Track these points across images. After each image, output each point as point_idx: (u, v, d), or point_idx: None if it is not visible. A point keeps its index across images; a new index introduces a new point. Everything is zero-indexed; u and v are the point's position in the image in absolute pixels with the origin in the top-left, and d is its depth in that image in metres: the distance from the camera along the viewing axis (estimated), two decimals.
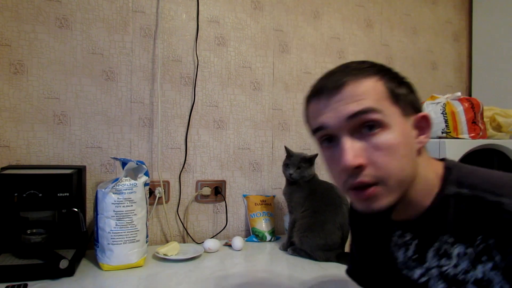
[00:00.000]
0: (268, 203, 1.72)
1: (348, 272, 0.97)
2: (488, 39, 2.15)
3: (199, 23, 1.66)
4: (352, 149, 0.62)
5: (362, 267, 0.88)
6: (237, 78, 1.73)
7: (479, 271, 0.61)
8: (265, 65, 1.79)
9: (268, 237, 1.65)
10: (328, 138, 0.67)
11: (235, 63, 1.73)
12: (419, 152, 0.66)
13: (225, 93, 1.71)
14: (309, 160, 1.50)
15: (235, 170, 1.73)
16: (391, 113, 0.63)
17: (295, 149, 1.83)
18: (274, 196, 1.78)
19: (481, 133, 1.62)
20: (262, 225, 1.66)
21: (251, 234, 1.66)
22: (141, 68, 1.58)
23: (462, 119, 1.62)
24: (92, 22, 1.51)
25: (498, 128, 1.72)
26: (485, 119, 1.69)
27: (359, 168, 0.62)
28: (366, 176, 0.62)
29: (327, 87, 0.65)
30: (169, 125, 1.62)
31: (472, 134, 1.61)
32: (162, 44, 1.61)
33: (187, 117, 1.64)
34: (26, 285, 1.07)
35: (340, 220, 1.41)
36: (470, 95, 2.23)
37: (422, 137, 0.67)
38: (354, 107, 0.62)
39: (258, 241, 1.64)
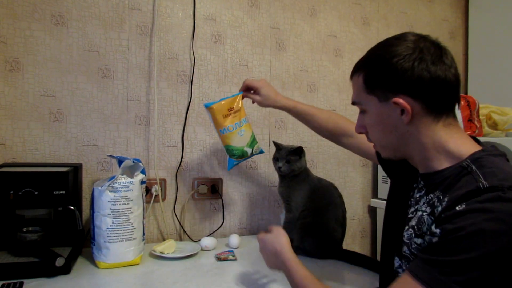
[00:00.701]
0: (237, 111, 1.38)
1: None
2: (484, 37, 2.16)
3: (195, 21, 1.65)
4: (358, 122, 0.92)
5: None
6: (234, 76, 1.73)
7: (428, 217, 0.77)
8: (261, 63, 1.78)
9: (249, 151, 1.39)
10: None
11: (231, 61, 1.73)
12: (415, 126, 0.80)
13: (222, 91, 1.71)
14: (298, 153, 1.46)
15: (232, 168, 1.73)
16: (367, 101, 0.85)
17: None
18: (240, 94, 1.41)
19: (477, 131, 1.63)
20: (239, 140, 1.37)
21: (228, 156, 1.41)
22: (137, 65, 1.57)
23: (458, 117, 1.62)
24: (88, 19, 1.50)
25: (494, 125, 1.73)
26: (481, 117, 1.70)
27: (363, 133, 0.92)
28: (369, 138, 0.91)
29: None
30: (165, 123, 1.62)
31: (468, 132, 1.62)
32: (159, 41, 1.60)
33: (184, 115, 1.64)
34: (22, 283, 1.06)
35: (340, 219, 1.42)
36: (466, 93, 2.24)
37: (403, 117, 0.80)
38: (351, 98, 0.90)
39: (240, 161, 1.41)
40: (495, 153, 0.78)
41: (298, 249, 1.43)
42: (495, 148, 0.80)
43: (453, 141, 0.80)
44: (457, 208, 0.68)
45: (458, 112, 1.63)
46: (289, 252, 0.99)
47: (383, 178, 1.91)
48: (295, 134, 1.85)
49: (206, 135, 1.68)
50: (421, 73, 0.76)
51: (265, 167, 1.79)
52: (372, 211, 2.01)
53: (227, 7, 1.72)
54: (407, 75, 0.77)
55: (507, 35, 2.02)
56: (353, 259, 1.37)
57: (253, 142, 1.40)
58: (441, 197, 0.76)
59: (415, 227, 0.80)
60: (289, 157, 1.45)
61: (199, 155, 1.68)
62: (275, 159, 1.49)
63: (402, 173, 0.98)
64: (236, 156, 1.38)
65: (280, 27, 1.82)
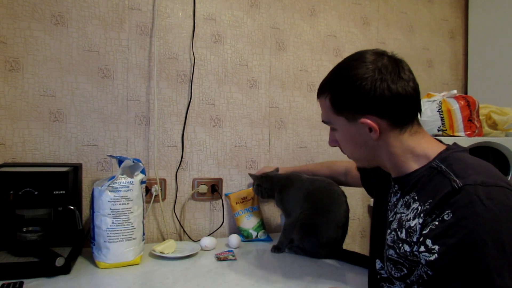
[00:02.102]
0: (249, 199, 1.68)
1: None
2: (484, 37, 2.16)
3: (195, 21, 1.65)
4: (330, 137, 0.98)
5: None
6: (234, 76, 1.73)
7: (413, 222, 0.79)
8: (261, 63, 1.78)
9: (254, 234, 1.62)
10: None
11: (231, 60, 1.73)
12: (383, 140, 0.86)
13: (222, 91, 1.71)
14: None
15: (231, 168, 1.73)
16: (336, 121, 0.91)
17: (291, 147, 1.84)
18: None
19: (476, 131, 1.63)
20: (246, 222, 1.64)
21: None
22: (137, 65, 1.57)
23: (458, 117, 1.63)
24: (88, 19, 1.50)
25: (494, 125, 1.73)
26: (480, 117, 1.70)
27: (336, 146, 0.97)
28: (342, 150, 0.97)
29: None
30: (165, 123, 1.62)
31: (468, 132, 1.62)
32: (159, 41, 1.60)
33: (184, 115, 1.64)
34: (22, 283, 1.06)
35: (343, 219, 1.42)
36: (466, 93, 2.24)
37: (371, 134, 0.85)
38: (321, 118, 0.96)
39: (246, 240, 1.62)
40: (459, 149, 0.84)
41: (298, 249, 1.44)
42: (458, 145, 0.86)
43: (420, 146, 0.86)
44: (445, 217, 0.71)
45: (457, 112, 1.63)
46: None
47: None
48: (295, 134, 1.85)
49: (206, 135, 1.68)
50: (383, 92, 0.82)
51: None
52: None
53: (227, 7, 1.72)
54: (370, 97, 0.82)
55: (507, 35, 2.02)
56: (353, 259, 1.37)
57: (258, 227, 1.65)
58: (416, 198, 0.81)
59: (397, 230, 0.84)
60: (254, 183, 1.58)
61: (199, 155, 1.68)
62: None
63: (380, 185, 1.04)
64: (244, 236, 1.63)
65: (280, 27, 1.82)
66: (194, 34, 1.65)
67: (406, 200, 0.85)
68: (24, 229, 1.21)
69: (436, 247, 0.71)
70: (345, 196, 1.46)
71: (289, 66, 1.84)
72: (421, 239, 0.75)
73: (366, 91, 0.82)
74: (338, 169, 1.51)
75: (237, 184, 1.74)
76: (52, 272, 1.14)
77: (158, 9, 1.60)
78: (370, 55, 0.86)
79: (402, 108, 0.84)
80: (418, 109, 0.87)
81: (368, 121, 0.84)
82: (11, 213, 1.21)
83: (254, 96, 1.77)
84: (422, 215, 0.76)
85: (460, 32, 2.27)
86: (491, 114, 1.72)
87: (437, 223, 0.72)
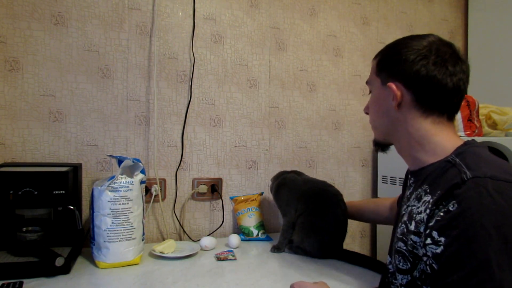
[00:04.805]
0: (252, 199, 1.70)
1: None
2: (484, 37, 2.16)
3: (195, 21, 1.65)
4: (367, 103, 1.00)
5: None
6: (234, 76, 1.73)
7: (423, 214, 0.77)
8: (261, 62, 1.78)
9: (255, 232, 1.63)
10: None
11: (231, 60, 1.73)
12: (403, 115, 0.87)
13: (222, 91, 1.71)
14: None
15: (231, 168, 1.73)
16: (373, 82, 0.94)
17: (291, 146, 1.84)
18: (261, 193, 1.74)
19: (476, 131, 1.63)
20: (247, 220, 1.65)
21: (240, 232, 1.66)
22: (137, 65, 1.57)
23: (457, 116, 1.63)
24: (88, 19, 1.50)
25: (494, 125, 1.73)
26: (480, 117, 1.70)
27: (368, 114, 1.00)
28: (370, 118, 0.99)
29: None
30: (165, 122, 1.62)
31: (468, 132, 1.62)
32: (158, 41, 1.60)
33: (184, 115, 1.64)
34: (21, 283, 1.06)
35: (341, 217, 1.41)
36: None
37: (393, 102, 0.87)
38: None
39: (247, 238, 1.62)
40: (476, 144, 0.83)
41: (298, 249, 1.44)
42: (475, 141, 0.85)
43: (440, 136, 0.85)
44: (450, 208, 0.70)
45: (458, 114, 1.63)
46: None
47: (382, 178, 1.91)
48: (295, 134, 1.85)
49: (205, 134, 1.68)
50: (419, 68, 0.84)
51: (265, 167, 1.79)
52: None
53: (227, 7, 1.72)
54: (407, 65, 0.85)
55: (507, 35, 2.02)
56: (353, 259, 1.37)
57: (259, 227, 1.66)
58: (428, 190, 0.80)
59: (407, 222, 0.83)
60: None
61: (198, 155, 1.67)
62: None
63: (403, 187, 1.04)
64: (245, 234, 1.64)
65: (280, 27, 1.82)
66: (194, 34, 1.65)
67: (418, 192, 0.84)
68: (24, 229, 1.21)
69: (442, 239, 0.70)
70: (341, 195, 1.46)
71: (289, 66, 1.84)
72: (427, 231, 0.74)
73: (407, 59, 0.85)
74: (385, 203, 1.43)
75: (237, 184, 1.74)
76: (52, 272, 1.14)
77: (158, 9, 1.60)
78: (436, 39, 0.89)
79: (431, 91, 0.84)
80: (450, 104, 0.87)
81: (393, 86, 0.86)
82: (11, 213, 1.20)
83: (254, 96, 1.77)
84: (429, 205, 0.76)
85: (460, 32, 2.27)
86: (491, 114, 1.72)
87: (442, 214, 0.71)
